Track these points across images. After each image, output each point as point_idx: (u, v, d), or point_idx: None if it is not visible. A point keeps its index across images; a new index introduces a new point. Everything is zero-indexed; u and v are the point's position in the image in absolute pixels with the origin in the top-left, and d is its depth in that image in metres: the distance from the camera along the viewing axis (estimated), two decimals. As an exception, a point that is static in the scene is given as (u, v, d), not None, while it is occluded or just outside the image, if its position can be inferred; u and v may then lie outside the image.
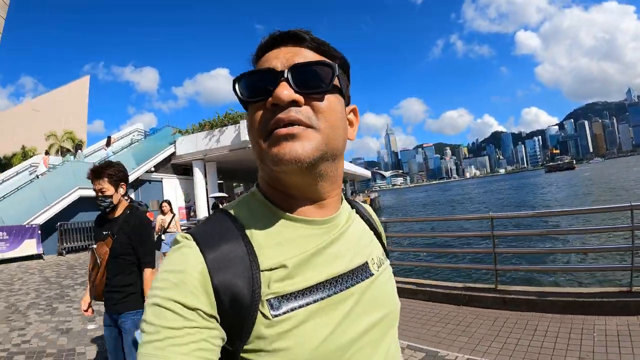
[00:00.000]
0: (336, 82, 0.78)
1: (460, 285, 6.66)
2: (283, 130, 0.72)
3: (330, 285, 0.77)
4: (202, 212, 23.88)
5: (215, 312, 0.68)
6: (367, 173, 76.53)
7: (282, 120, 0.72)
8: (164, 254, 8.37)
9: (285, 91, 0.72)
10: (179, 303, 0.65)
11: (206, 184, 24.92)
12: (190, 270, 0.68)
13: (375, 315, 0.82)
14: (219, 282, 0.69)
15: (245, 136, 21.29)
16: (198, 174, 24.68)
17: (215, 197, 19.36)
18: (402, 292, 6.68)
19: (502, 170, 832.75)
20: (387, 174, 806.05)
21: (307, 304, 0.73)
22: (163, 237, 9.45)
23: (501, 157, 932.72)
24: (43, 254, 15.25)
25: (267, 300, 0.71)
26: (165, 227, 9.68)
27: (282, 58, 0.78)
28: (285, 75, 0.74)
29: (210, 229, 0.77)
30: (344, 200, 0.95)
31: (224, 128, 23.12)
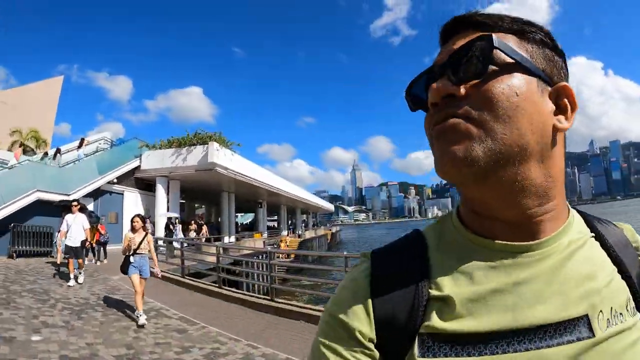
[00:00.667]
0: (502, 57, 0.60)
1: None
2: (438, 129, 0.61)
3: (515, 338, 0.55)
4: (160, 229, 23.26)
5: (373, 335, 0.61)
6: (330, 206, 76.95)
7: (437, 120, 0.62)
8: (131, 277, 7.68)
9: (437, 84, 0.61)
10: (341, 320, 0.63)
11: (168, 201, 24.50)
12: (356, 289, 0.66)
13: None
14: (379, 304, 0.62)
15: (211, 158, 21.43)
16: (160, 190, 24.27)
17: (168, 217, 19.20)
18: (283, 312, 7.15)
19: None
20: (350, 209, 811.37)
21: (470, 356, 0.56)
22: (131, 259, 7.85)
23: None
24: None
25: (419, 335, 0.59)
26: (135, 247, 7.94)
27: (444, 53, 0.66)
28: (442, 69, 0.63)
29: (392, 247, 0.71)
30: (575, 219, 0.68)
31: (192, 147, 22.89)
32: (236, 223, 41.22)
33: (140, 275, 7.78)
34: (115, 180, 22.99)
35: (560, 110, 0.63)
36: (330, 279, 10.85)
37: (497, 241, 0.62)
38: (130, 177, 24.59)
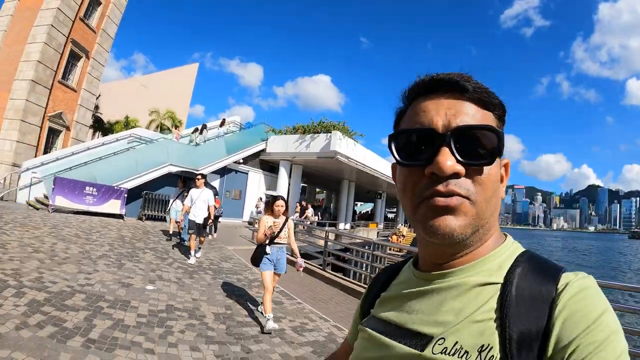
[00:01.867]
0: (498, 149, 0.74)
1: None
2: (441, 202, 0.71)
3: (385, 325, 0.84)
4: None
5: (365, 308, 1.03)
6: None
7: (441, 193, 0.71)
8: (263, 273, 6.17)
9: (448, 162, 0.70)
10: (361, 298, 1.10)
11: (289, 184, 25.37)
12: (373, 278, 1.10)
13: None
14: (369, 295, 1.04)
15: (334, 146, 21.78)
16: (283, 173, 25.15)
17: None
18: None
19: (591, 228, 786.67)
20: None
21: (368, 326, 0.90)
22: (268, 249, 6.28)
23: (593, 213, 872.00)
24: (125, 215, 16.43)
25: (371, 314, 0.95)
26: (275, 233, 6.38)
27: (442, 114, 0.75)
28: (447, 140, 0.72)
29: (390, 266, 1.07)
30: (493, 264, 0.77)
31: (316, 135, 23.34)
32: (354, 211, 41.51)
33: (275, 271, 6.32)
34: (241, 161, 24.42)
35: (500, 180, 0.80)
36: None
37: (416, 271, 0.87)
38: (255, 158, 25.95)
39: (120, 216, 16.14)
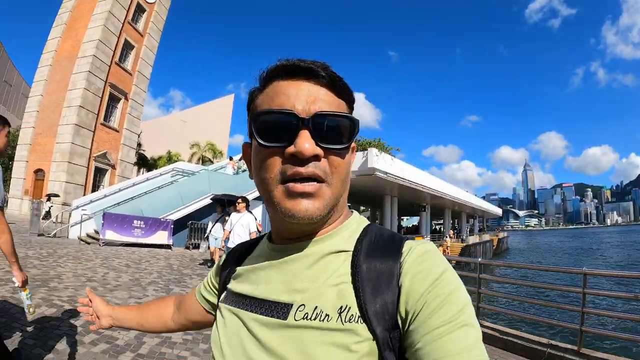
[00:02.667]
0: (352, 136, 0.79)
1: (541, 340, 6.12)
2: (299, 188, 0.73)
3: (250, 301, 0.84)
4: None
5: (216, 284, 1.09)
6: (498, 211, 72.67)
7: (301, 174, 0.73)
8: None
9: (307, 144, 0.72)
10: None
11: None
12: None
13: None
14: (220, 269, 1.06)
15: (371, 163, 21.74)
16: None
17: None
18: (483, 338, 6.50)
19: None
20: (521, 213, 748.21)
21: (226, 302, 0.91)
22: None
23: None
24: (172, 245, 17.03)
25: (226, 289, 0.96)
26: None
27: (302, 99, 0.76)
28: (308, 124, 0.74)
29: (248, 241, 1.09)
30: (342, 235, 0.83)
31: (353, 155, 23.18)
32: (400, 226, 40.99)
33: None
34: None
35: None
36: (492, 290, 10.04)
37: (270, 244, 0.90)
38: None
39: (168, 246, 16.76)
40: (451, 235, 38.39)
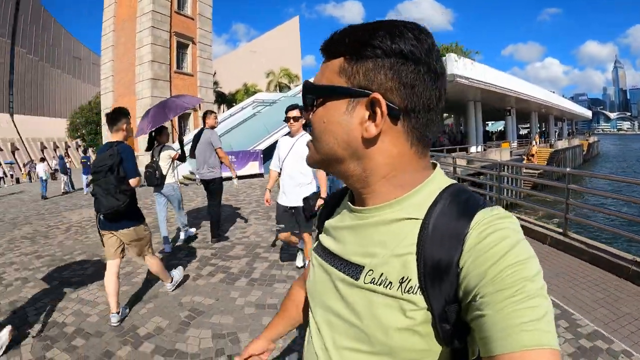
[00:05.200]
0: (323, 92, 0.80)
1: (627, 256, 5.64)
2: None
3: (332, 255, 0.90)
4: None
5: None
6: (588, 113, 68.14)
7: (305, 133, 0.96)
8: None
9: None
10: None
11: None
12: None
13: (332, 318, 0.87)
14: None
15: (450, 69, 20.82)
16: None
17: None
18: (568, 249, 6.28)
19: None
20: (613, 115, 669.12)
21: (316, 253, 0.98)
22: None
23: None
24: (264, 173, 17.94)
25: (318, 239, 1.02)
26: None
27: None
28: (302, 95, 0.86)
29: (335, 192, 1.11)
30: (414, 201, 0.79)
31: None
32: (485, 131, 39.85)
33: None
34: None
35: (374, 117, 0.75)
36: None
37: (349, 205, 0.90)
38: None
39: (260, 175, 17.85)
40: (537, 141, 36.40)
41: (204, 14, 34.06)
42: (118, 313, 4.25)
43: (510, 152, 30.26)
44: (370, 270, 0.77)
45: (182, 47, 31.93)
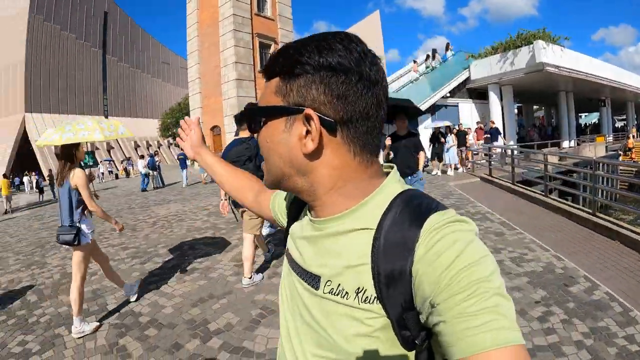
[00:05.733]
0: (264, 114, 0.82)
1: None
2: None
3: (292, 261, 0.93)
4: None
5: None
6: None
7: None
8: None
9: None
10: None
11: (502, 107, 24.30)
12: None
13: (298, 324, 0.88)
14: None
15: (539, 58, 20.12)
16: (494, 97, 24.15)
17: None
18: (600, 229, 6.35)
19: None
20: None
21: (286, 256, 0.98)
22: None
23: None
24: None
25: (287, 245, 1.01)
26: None
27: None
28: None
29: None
30: (365, 212, 0.78)
31: (517, 50, 21.83)
32: (579, 124, 37.77)
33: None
34: (448, 95, 23.92)
35: (311, 132, 0.75)
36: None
37: (309, 214, 0.90)
38: (462, 88, 25.25)
39: None
40: (635, 134, 33.35)
41: (283, 14, 34.74)
42: (250, 278, 5.31)
43: (606, 147, 28.46)
44: (328, 280, 0.79)
45: (264, 47, 32.63)
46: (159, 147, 50.53)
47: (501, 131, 21.00)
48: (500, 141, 19.49)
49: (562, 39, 22.59)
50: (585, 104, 38.02)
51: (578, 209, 8.71)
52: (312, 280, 0.83)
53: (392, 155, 6.95)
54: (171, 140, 49.53)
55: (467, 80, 24.97)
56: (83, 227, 4.30)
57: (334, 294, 0.77)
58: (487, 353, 0.58)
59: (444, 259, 0.65)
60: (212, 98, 32.78)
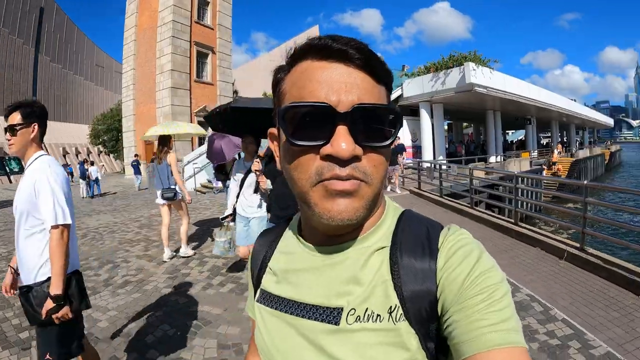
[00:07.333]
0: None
1: None
2: (339, 186, 0.66)
3: (294, 305, 0.78)
4: (427, 152, 24.26)
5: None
6: (610, 121, 66.58)
7: (340, 177, 0.65)
8: None
9: (344, 144, 0.63)
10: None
11: (432, 125, 24.90)
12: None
13: None
14: (251, 264, 0.99)
15: (469, 79, 20.74)
16: (424, 115, 24.70)
17: None
18: (585, 265, 6.12)
19: None
20: (635, 123, 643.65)
21: (265, 304, 0.86)
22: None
23: None
24: None
25: (260, 288, 0.90)
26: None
27: (336, 87, 0.66)
28: (347, 120, 0.65)
29: (270, 229, 1.02)
30: (379, 232, 0.77)
31: (449, 70, 22.48)
32: (505, 141, 39.40)
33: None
34: (380, 111, 24.22)
35: None
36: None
37: (308, 243, 0.81)
38: (395, 105, 25.52)
39: None
40: (559, 150, 35.74)
41: (223, 24, 34.51)
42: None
43: (530, 162, 29.96)
44: (351, 309, 0.71)
45: (202, 57, 32.38)
46: (88, 155, 48.48)
47: (406, 148, 21.55)
48: (404, 158, 19.63)
49: (492, 61, 23.59)
50: (512, 122, 39.95)
51: (502, 219, 9.27)
52: (330, 314, 0.73)
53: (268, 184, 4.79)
54: (101, 148, 47.12)
55: (400, 97, 25.51)
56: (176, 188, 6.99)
57: (363, 320, 0.70)
58: (498, 350, 0.60)
59: (465, 266, 0.67)
60: (145, 105, 32.05)
